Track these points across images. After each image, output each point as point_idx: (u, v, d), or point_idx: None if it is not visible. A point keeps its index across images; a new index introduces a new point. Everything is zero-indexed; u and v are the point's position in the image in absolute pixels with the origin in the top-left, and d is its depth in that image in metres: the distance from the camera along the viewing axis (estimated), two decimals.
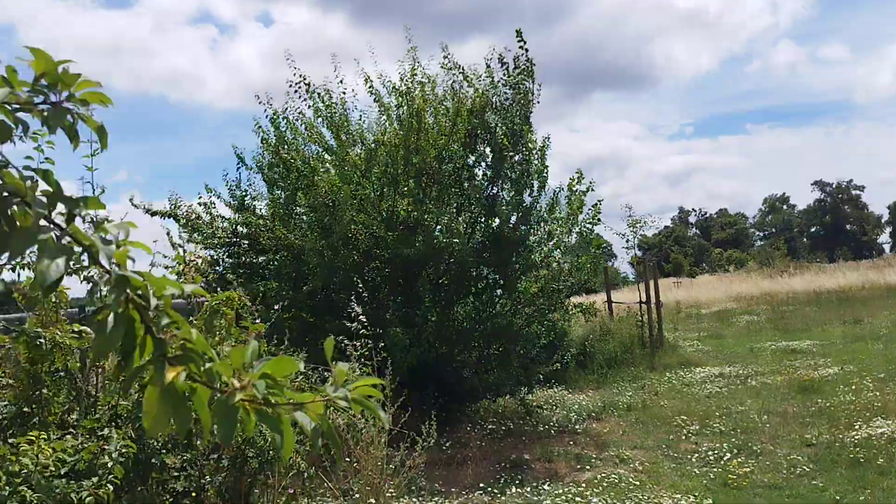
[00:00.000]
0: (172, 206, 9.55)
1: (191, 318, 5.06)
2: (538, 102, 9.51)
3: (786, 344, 16.65)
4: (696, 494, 6.46)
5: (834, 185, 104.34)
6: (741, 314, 28.20)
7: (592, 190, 9.87)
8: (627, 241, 15.55)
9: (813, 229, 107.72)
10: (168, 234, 9.78)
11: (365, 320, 6.83)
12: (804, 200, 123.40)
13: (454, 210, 9.24)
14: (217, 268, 9.86)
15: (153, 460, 4.69)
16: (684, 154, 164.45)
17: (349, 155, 8.96)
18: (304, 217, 10.02)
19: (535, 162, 9.18)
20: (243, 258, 9.98)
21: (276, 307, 9.64)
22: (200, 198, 9.99)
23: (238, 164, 10.28)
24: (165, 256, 9.84)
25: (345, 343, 7.05)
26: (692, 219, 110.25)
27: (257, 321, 5.05)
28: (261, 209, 9.93)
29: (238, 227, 9.86)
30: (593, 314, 14.69)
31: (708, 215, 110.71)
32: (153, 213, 9.44)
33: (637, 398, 11.35)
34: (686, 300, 34.73)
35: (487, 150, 9.38)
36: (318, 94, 9.02)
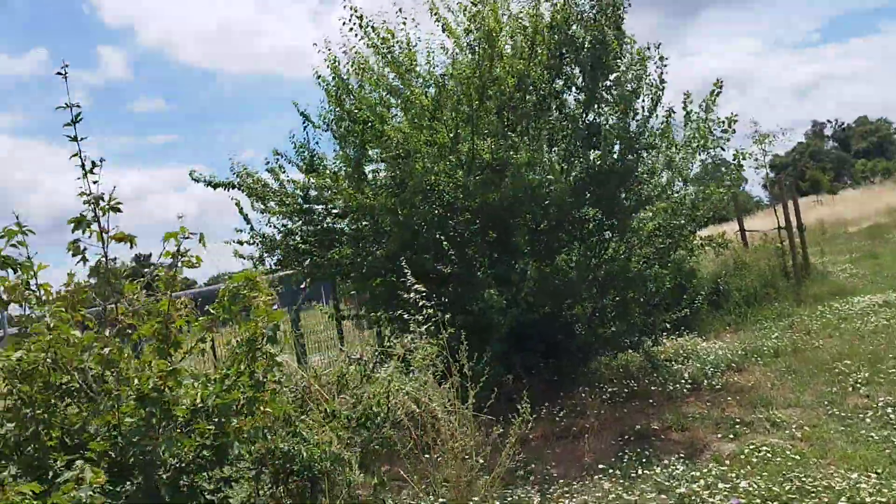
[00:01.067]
0: (237, 176, 8.75)
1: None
2: (629, 4, 7.94)
3: None
4: (880, 471, 5.00)
5: None
6: (895, 228, 25.12)
7: (712, 108, 8.19)
8: (756, 160, 13.58)
9: None
10: (238, 204, 9.02)
11: (424, 291, 5.72)
12: None
13: (545, 145, 7.89)
14: (294, 237, 9.03)
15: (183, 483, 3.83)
16: (812, 63, 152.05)
17: (416, 95, 7.77)
18: (377, 173, 9.01)
19: (633, 76, 7.65)
20: (319, 225, 9.10)
21: (348, 275, 8.84)
22: (268, 163, 9.15)
23: (304, 123, 9.32)
24: (239, 231, 9.19)
25: (412, 314, 6.03)
26: (828, 131, 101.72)
27: (276, 307, 4.03)
28: (333, 169, 8.96)
29: (310, 191, 8.96)
30: (724, 247, 13.03)
31: (846, 125, 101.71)
32: (215, 186, 8.68)
33: (785, 340, 9.71)
34: (830, 219, 31.51)
35: (577, 70, 7.94)
36: (373, 26, 7.82)
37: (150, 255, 4.70)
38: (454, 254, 8.26)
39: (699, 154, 8.07)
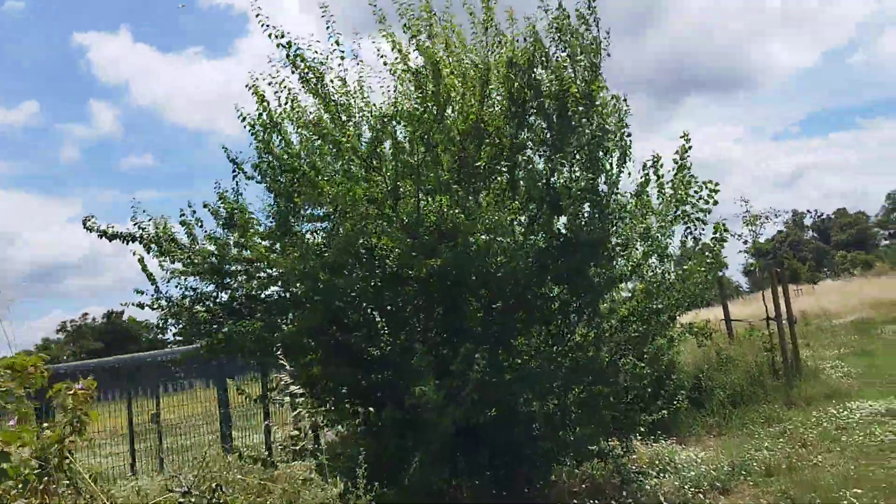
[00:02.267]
0: (137, 227, 7.34)
1: None
2: (608, 54, 6.80)
3: None
4: None
5: None
6: (885, 323, 24.04)
7: (687, 167, 6.99)
8: (745, 241, 12.41)
9: None
10: (142, 261, 7.59)
11: (299, 392, 4.37)
12: None
13: (503, 207, 6.62)
14: (203, 304, 7.59)
15: None
16: (792, 154, 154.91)
17: (349, 138, 6.48)
18: (315, 233, 7.67)
19: (610, 128, 6.45)
20: (239, 290, 7.68)
21: (253, 355, 7.37)
22: (183, 215, 7.78)
23: (234, 171, 7.98)
24: (140, 292, 7.73)
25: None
26: (807, 221, 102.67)
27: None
28: (257, 226, 7.59)
29: (230, 249, 7.57)
30: (707, 336, 11.71)
31: (825, 216, 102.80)
32: (111, 237, 7.27)
33: (778, 453, 8.29)
34: (812, 310, 30.45)
35: (541, 122, 6.73)
36: (302, 56, 6.55)
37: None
38: (388, 333, 6.88)
39: (677, 224, 6.84)
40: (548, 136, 6.73)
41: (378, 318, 7.06)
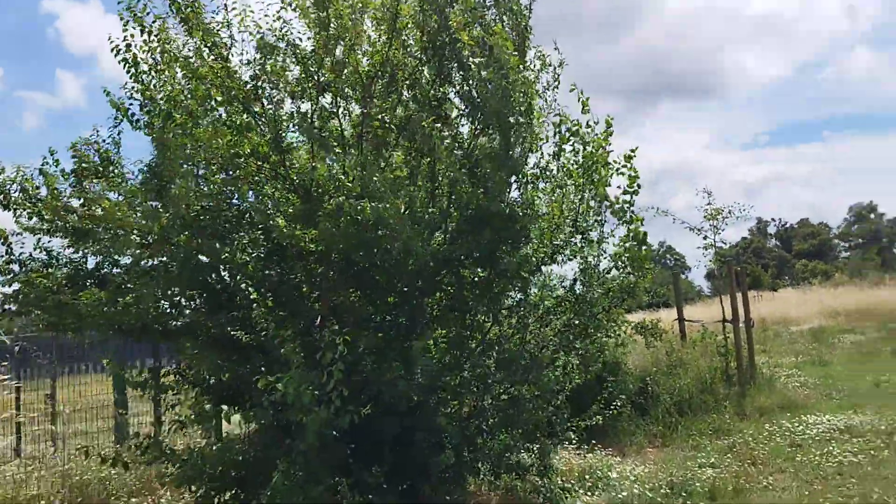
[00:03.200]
0: None
1: None
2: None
3: None
4: None
5: None
6: (842, 333, 23.50)
7: (605, 145, 5.93)
8: (706, 237, 11.41)
9: None
10: None
11: None
12: (893, 209, 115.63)
13: (407, 169, 5.49)
14: (65, 269, 6.35)
15: None
16: (760, 163, 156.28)
17: (230, 74, 5.27)
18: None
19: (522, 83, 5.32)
20: (104, 255, 6.44)
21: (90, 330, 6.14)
22: (45, 163, 6.50)
23: (117, 115, 6.70)
24: None
25: None
26: (771, 229, 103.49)
27: None
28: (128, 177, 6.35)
29: (91, 206, 6.32)
30: (657, 337, 10.72)
31: (788, 225, 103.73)
32: None
33: (725, 472, 7.31)
34: (772, 316, 29.98)
35: (458, 72, 5.60)
36: None
37: None
38: (270, 317, 5.71)
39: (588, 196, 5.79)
40: (467, 90, 5.59)
41: (263, 299, 5.91)
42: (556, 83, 5.92)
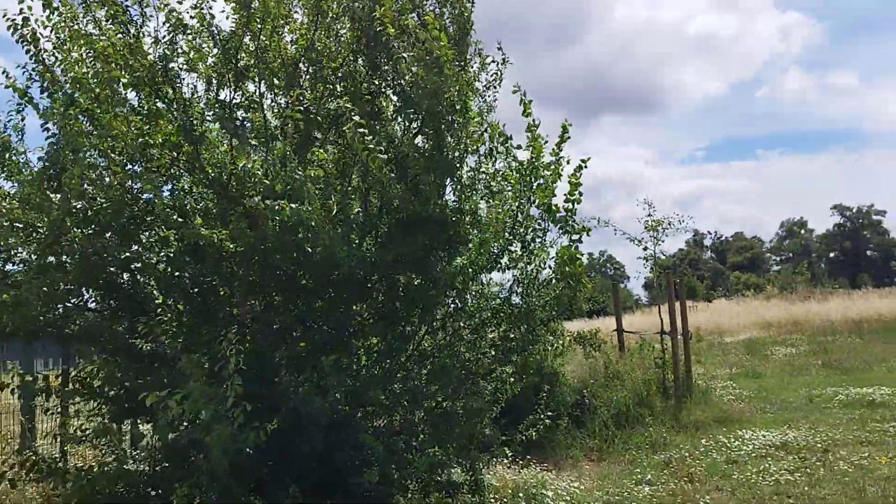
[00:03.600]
0: None
1: None
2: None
3: (855, 392, 12.33)
4: None
5: (854, 210, 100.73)
6: (774, 345, 23.91)
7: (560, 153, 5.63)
8: (646, 248, 11.28)
9: (832, 255, 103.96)
10: None
11: None
12: (821, 226, 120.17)
13: (337, 168, 5.07)
14: None
15: None
16: (696, 178, 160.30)
17: (138, 50, 4.76)
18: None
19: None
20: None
21: None
22: None
23: (21, 101, 6.10)
24: None
25: None
26: (707, 242, 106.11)
27: None
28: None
29: None
30: (596, 348, 10.53)
31: (723, 238, 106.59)
32: None
33: (661, 489, 7.09)
34: (706, 326, 30.48)
35: (389, 65, 5.23)
36: None
37: None
38: (179, 323, 5.23)
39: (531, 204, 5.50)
40: (399, 85, 5.21)
41: (174, 303, 5.42)
42: (498, 83, 5.59)
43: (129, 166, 5.40)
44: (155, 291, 5.17)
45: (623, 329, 11.91)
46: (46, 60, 5.48)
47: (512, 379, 6.72)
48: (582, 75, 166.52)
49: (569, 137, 5.58)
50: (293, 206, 4.10)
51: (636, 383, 10.38)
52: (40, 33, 5.26)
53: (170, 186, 5.59)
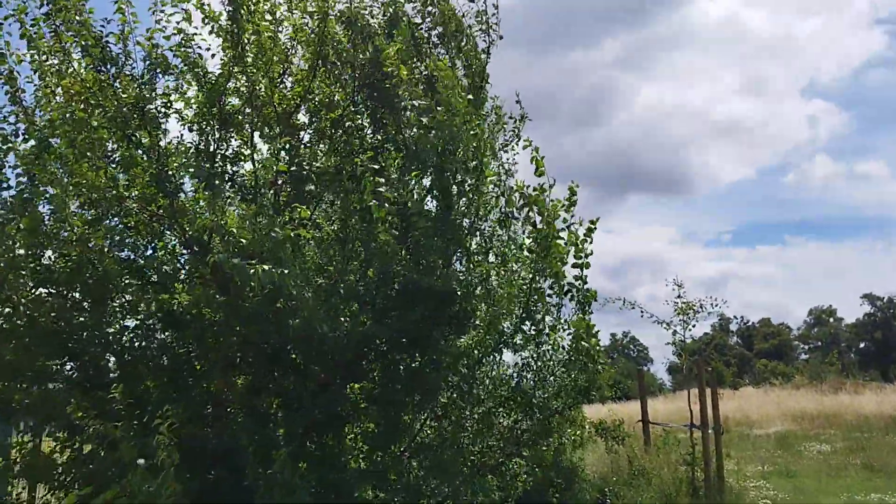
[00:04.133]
0: None
1: None
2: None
3: None
4: None
5: (885, 300, 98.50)
6: (807, 440, 22.51)
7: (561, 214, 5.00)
8: (675, 332, 10.46)
9: (862, 345, 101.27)
10: None
11: None
12: (851, 314, 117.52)
13: (334, 228, 4.47)
14: None
15: None
16: (721, 261, 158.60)
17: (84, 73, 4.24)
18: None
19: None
20: None
21: None
22: None
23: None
24: None
25: None
26: (733, 327, 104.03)
27: None
28: None
29: None
30: (619, 440, 9.66)
31: (750, 324, 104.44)
32: None
33: None
34: (734, 416, 28.99)
35: (392, 116, 4.68)
36: None
37: None
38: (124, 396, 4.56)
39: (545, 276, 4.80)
40: (402, 138, 4.64)
41: (137, 376, 4.76)
42: (516, 141, 5.01)
43: (107, 220, 4.87)
44: (112, 364, 4.53)
45: (649, 420, 11.00)
46: (24, 101, 5.02)
47: (525, 474, 5.94)
48: (608, 155, 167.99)
49: (575, 201, 4.95)
50: (265, 268, 3.49)
51: (664, 482, 9.43)
52: (17, 71, 4.81)
53: (150, 245, 5.03)
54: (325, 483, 4.76)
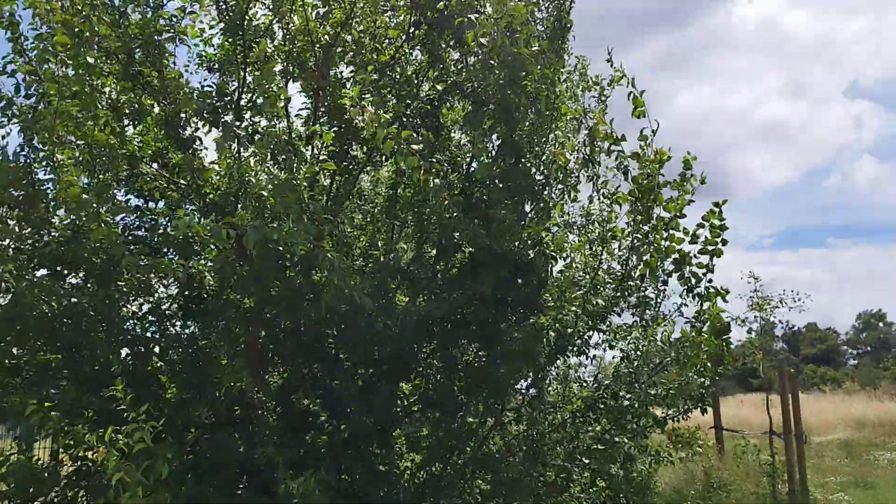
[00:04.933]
0: None
1: None
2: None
3: None
4: None
5: None
6: (874, 448, 21.10)
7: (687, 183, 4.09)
8: (750, 330, 9.48)
9: None
10: None
11: None
12: None
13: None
14: None
15: None
16: (764, 266, 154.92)
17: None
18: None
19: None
20: None
21: None
22: None
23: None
24: None
25: None
26: (778, 332, 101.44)
27: None
28: None
29: None
30: (694, 449, 8.65)
31: (796, 329, 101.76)
32: None
33: None
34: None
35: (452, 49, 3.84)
36: None
37: None
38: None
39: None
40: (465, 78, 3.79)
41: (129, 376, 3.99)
42: (608, 87, 4.09)
43: (117, 189, 4.11)
44: (111, 357, 3.74)
45: (722, 426, 9.99)
46: (27, 52, 4.28)
47: (604, 491, 5.05)
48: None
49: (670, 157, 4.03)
50: (281, 226, 2.66)
51: (742, 496, 8.42)
52: (19, 16, 4.07)
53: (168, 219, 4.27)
54: (370, 501, 3.95)
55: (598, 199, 4.03)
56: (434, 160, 3.75)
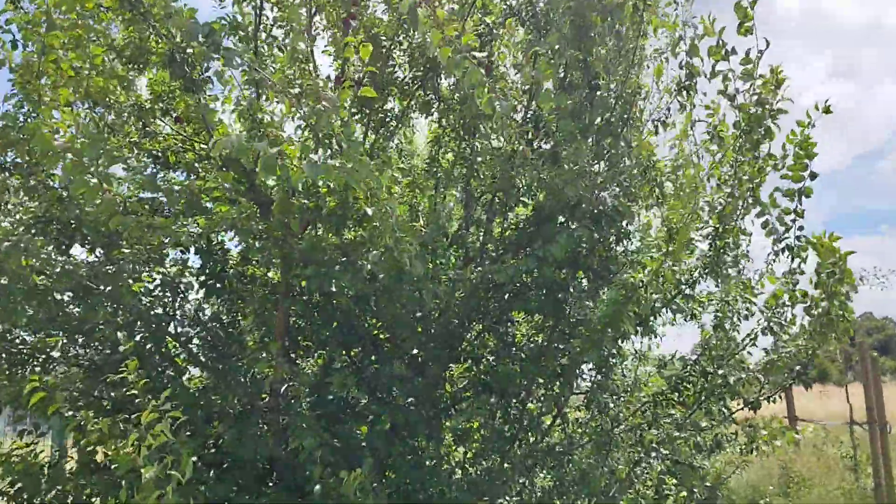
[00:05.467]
0: None
1: None
2: None
3: None
4: None
5: None
6: None
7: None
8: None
9: None
10: None
11: None
12: None
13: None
14: None
15: None
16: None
17: None
18: None
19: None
20: None
21: None
22: None
23: None
24: None
25: None
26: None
27: None
28: None
29: None
30: (791, 438, 7.95)
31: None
32: None
33: None
34: (858, 415, 26.34)
35: None
36: None
37: None
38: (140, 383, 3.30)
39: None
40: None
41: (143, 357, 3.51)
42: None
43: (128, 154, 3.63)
44: (119, 334, 3.25)
45: (796, 416, 9.22)
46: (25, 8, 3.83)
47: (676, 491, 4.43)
48: None
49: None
50: (340, 163, 2.11)
51: (825, 492, 7.67)
52: None
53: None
54: (416, 498, 3.42)
55: (693, 135, 3.39)
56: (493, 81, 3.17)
